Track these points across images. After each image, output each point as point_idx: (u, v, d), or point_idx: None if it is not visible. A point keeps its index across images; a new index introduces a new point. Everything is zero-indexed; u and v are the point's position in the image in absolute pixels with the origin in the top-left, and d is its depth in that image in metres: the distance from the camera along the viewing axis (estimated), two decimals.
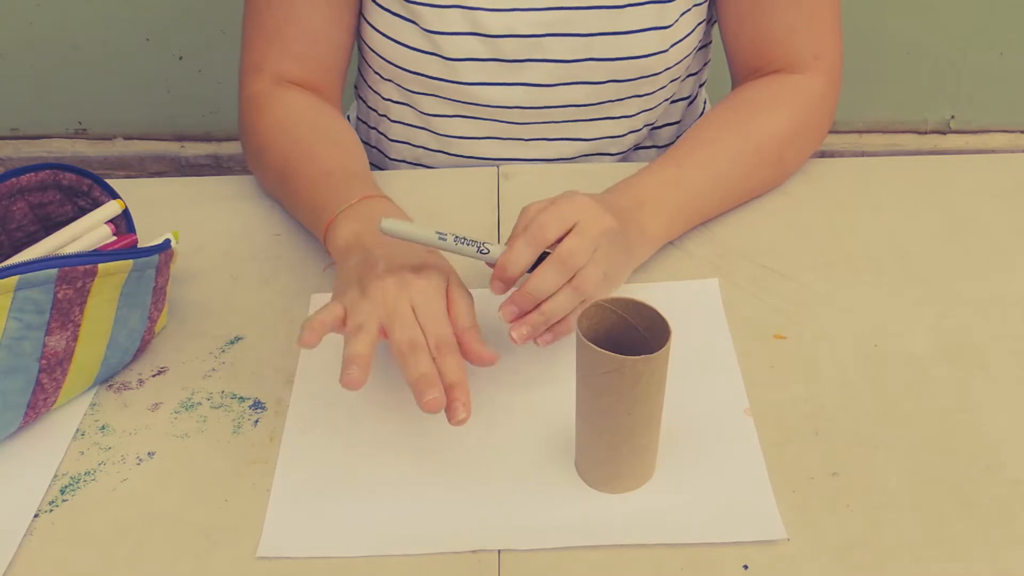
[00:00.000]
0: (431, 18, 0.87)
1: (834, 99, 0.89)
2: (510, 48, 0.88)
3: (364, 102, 1.02)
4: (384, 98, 0.97)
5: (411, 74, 0.91)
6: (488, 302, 0.73)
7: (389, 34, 0.89)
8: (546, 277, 0.65)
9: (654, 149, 1.03)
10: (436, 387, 0.61)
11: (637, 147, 1.01)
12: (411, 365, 0.62)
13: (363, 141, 1.06)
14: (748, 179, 0.84)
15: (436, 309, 0.65)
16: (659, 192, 0.78)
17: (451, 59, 0.88)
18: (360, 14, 0.92)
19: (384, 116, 0.99)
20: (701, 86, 1.04)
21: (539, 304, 0.66)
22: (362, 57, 0.97)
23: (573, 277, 0.66)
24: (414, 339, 0.63)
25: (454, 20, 0.87)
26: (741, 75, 0.91)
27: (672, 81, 0.93)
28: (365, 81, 1.00)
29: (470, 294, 0.69)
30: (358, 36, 0.94)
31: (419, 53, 0.89)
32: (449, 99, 0.92)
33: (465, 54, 0.88)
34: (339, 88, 0.93)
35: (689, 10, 0.88)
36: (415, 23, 0.87)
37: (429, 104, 0.94)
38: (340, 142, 0.85)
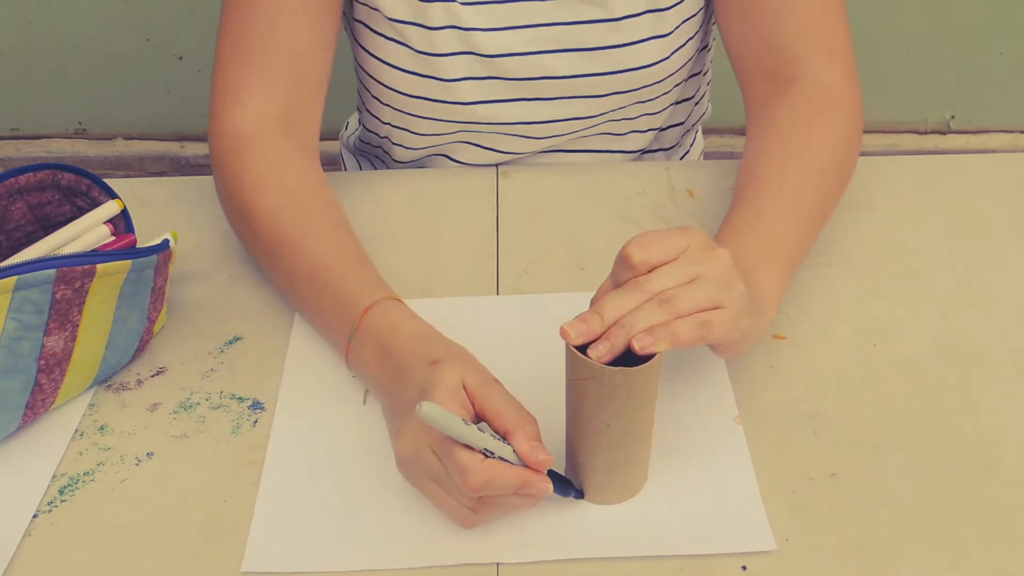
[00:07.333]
0: (420, 39, 0.84)
1: (858, 91, 0.85)
2: (509, 66, 0.86)
3: (365, 127, 1.01)
4: (383, 122, 0.94)
5: (409, 97, 0.88)
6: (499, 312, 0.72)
7: (384, 58, 0.87)
8: (621, 299, 0.58)
9: (660, 152, 1.02)
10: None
11: (644, 151, 1.00)
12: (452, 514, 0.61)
13: (371, 155, 1.05)
14: (826, 203, 0.79)
15: (449, 458, 0.58)
16: (760, 248, 0.71)
17: (448, 80, 0.86)
18: (354, 40, 0.90)
19: (386, 138, 0.97)
20: (708, 83, 1.03)
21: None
22: (360, 82, 0.95)
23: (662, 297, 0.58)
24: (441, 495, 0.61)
25: (449, 41, 0.84)
26: (750, 79, 0.87)
27: (676, 86, 0.93)
28: (365, 107, 0.97)
29: (494, 379, 0.62)
30: (354, 61, 0.93)
31: (416, 76, 0.86)
32: (449, 121, 0.90)
33: (462, 74, 0.86)
34: (319, 117, 0.85)
35: (689, 18, 0.87)
36: (408, 46, 0.85)
37: (429, 127, 0.91)
38: (333, 222, 0.78)
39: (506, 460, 0.57)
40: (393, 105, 0.91)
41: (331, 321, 0.72)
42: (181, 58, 1.99)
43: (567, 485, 0.62)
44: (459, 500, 0.59)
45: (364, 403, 0.70)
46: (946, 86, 2.02)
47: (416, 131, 0.93)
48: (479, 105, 0.88)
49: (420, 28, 0.84)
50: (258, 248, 0.78)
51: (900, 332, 0.75)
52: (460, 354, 0.65)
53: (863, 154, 0.85)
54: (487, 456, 0.56)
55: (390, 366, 0.66)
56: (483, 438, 0.56)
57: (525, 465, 0.58)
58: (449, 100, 0.88)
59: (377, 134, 0.98)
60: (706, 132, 2.06)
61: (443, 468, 0.58)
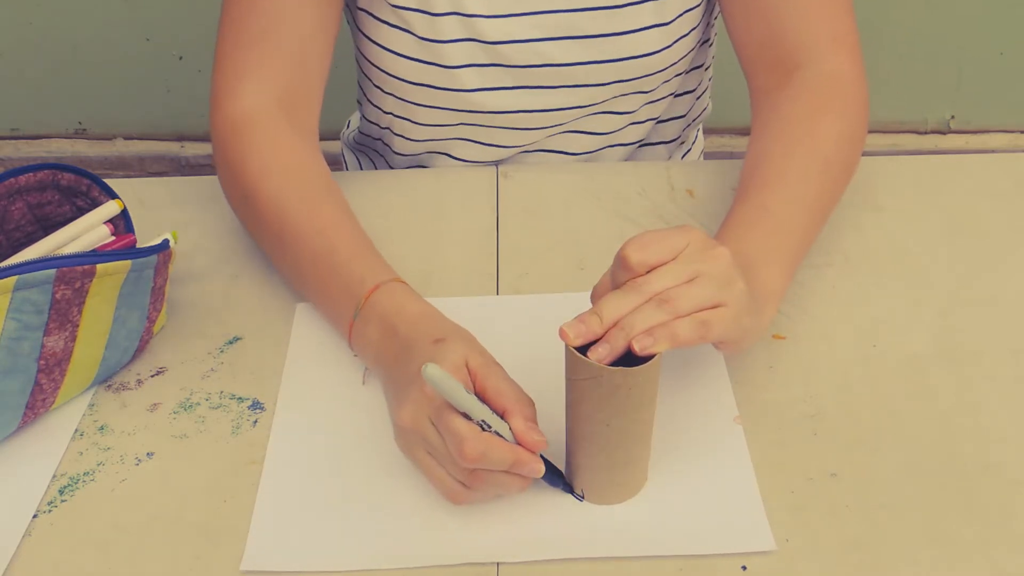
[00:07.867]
0: (423, 26, 0.85)
1: (863, 78, 0.84)
2: (510, 54, 0.86)
3: (366, 118, 1.01)
4: (385, 112, 0.95)
5: (412, 85, 0.89)
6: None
7: (387, 45, 0.87)
8: (620, 300, 0.58)
9: (661, 145, 1.02)
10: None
11: (643, 143, 1.01)
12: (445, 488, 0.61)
13: (370, 149, 1.05)
14: (829, 196, 0.78)
15: (448, 426, 0.59)
16: (763, 243, 0.71)
17: (451, 67, 0.86)
18: (357, 28, 0.90)
19: (387, 129, 0.97)
20: (709, 79, 1.03)
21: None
22: (362, 72, 0.95)
23: (662, 297, 0.59)
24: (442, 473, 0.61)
25: (451, 28, 0.85)
26: (755, 69, 0.86)
27: (676, 76, 0.93)
28: (366, 96, 0.98)
29: (496, 362, 0.63)
30: (356, 51, 0.93)
31: (419, 63, 0.87)
32: (450, 110, 0.90)
33: (465, 60, 0.86)
34: (319, 105, 0.85)
35: (691, 9, 0.87)
36: (411, 32, 0.85)
37: (430, 117, 0.92)
38: (337, 206, 0.78)
39: (502, 437, 0.58)
40: (395, 94, 0.91)
41: (336, 302, 0.73)
42: (181, 58, 1.99)
43: (558, 476, 0.62)
44: (452, 472, 0.60)
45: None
46: (946, 86, 2.02)
47: (417, 121, 0.93)
48: (480, 92, 0.89)
49: (423, 14, 0.84)
50: (262, 232, 0.79)
51: (900, 332, 0.75)
52: (465, 335, 0.66)
53: (864, 154, 0.84)
54: (484, 429, 0.57)
55: (395, 344, 0.67)
56: (483, 408, 0.57)
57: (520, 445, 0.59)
58: (451, 87, 0.88)
59: (378, 125, 0.98)
60: (706, 132, 2.05)
61: (440, 439, 0.59)
